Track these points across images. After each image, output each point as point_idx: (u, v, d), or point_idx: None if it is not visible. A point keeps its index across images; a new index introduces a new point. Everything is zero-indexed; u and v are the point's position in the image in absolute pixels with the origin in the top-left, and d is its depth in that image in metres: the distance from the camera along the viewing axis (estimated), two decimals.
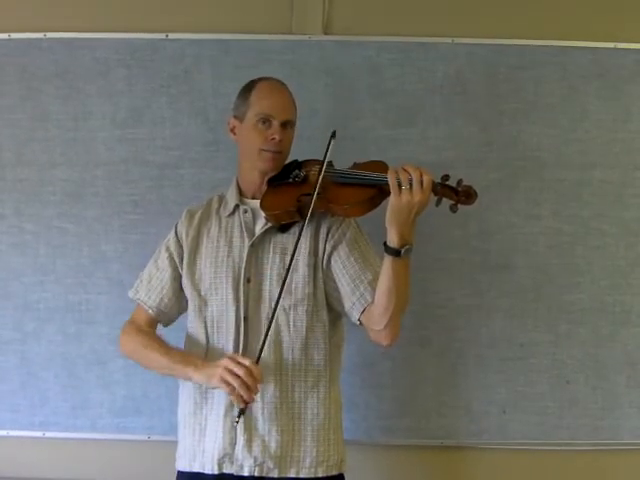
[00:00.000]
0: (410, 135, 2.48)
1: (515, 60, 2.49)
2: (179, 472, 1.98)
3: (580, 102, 2.49)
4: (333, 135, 1.90)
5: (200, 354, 1.94)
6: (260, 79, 2.01)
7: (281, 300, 1.86)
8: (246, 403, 1.78)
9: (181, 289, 2.02)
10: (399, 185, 1.70)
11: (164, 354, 1.93)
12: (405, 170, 1.72)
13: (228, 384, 1.76)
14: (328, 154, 1.88)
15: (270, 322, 1.83)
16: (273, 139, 1.94)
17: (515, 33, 2.49)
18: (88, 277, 2.47)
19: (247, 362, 1.77)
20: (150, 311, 2.02)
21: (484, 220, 2.46)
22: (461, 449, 2.47)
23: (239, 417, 1.80)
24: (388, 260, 1.77)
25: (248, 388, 1.75)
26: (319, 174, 1.86)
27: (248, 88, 2.00)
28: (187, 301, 2.02)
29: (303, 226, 1.85)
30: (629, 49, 2.50)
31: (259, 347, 1.82)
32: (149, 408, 2.45)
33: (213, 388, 1.86)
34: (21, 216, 2.48)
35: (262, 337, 1.83)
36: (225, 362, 1.79)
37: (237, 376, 1.75)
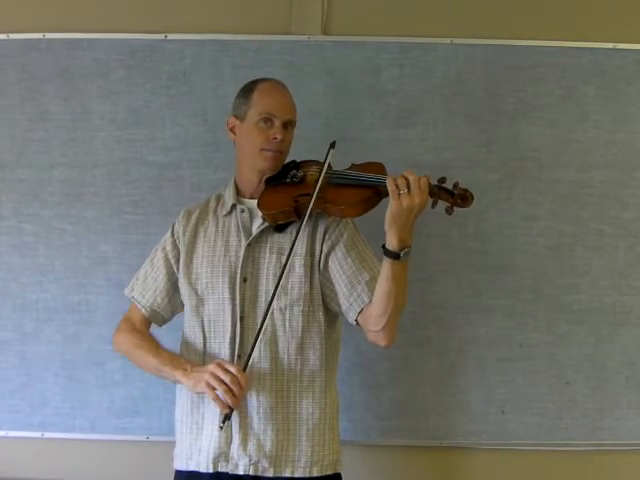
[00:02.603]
0: (409, 135, 2.48)
1: (514, 60, 2.49)
2: (177, 471, 1.98)
3: (579, 103, 2.49)
4: (332, 145, 1.91)
5: (197, 354, 1.94)
6: (262, 79, 2.02)
7: (277, 300, 1.87)
8: (230, 409, 1.79)
9: (175, 289, 2.03)
10: (398, 189, 1.71)
11: (154, 355, 1.94)
12: (402, 176, 1.72)
13: (212, 389, 1.79)
14: (326, 164, 1.88)
15: (260, 327, 1.83)
16: (275, 138, 1.94)
17: (514, 34, 2.50)
18: (87, 277, 2.47)
19: (234, 369, 1.79)
20: (143, 310, 2.03)
21: (483, 220, 2.46)
22: (460, 449, 2.47)
23: (224, 423, 1.82)
24: (387, 263, 1.77)
25: (233, 394, 1.77)
26: (318, 180, 1.86)
27: (250, 88, 2.00)
28: (182, 301, 2.02)
29: (300, 226, 1.85)
30: (628, 50, 2.50)
31: (247, 355, 1.84)
32: (148, 409, 2.45)
33: (198, 394, 1.88)
34: (20, 216, 2.48)
35: (251, 344, 1.84)
36: (212, 368, 1.81)
37: (222, 382, 1.77)
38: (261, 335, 1.83)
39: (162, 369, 1.92)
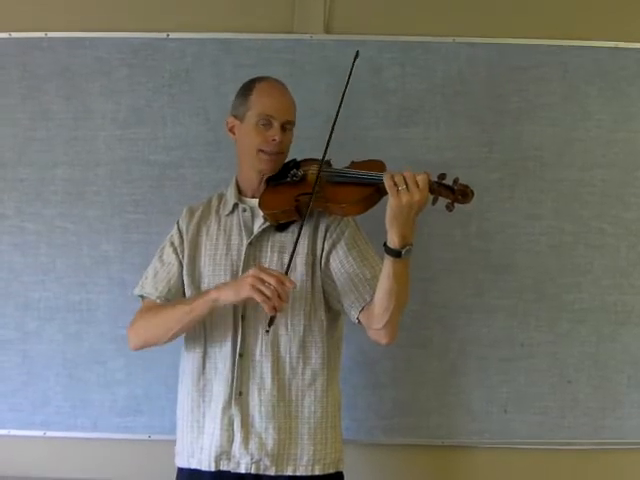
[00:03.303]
0: (411, 135, 2.48)
1: (516, 60, 2.49)
2: (179, 468, 1.98)
3: (581, 102, 2.49)
4: (357, 55, 1.91)
5: (198, 351, 1.94)
6: (260, 79, 2.00)
7: None
8: (275, 312, 1.75)
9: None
10: (396, 186, 1.70)
11: (176, 304, 1.90)
12: (400, 173, 1.72)
13: (260, 292, 1.73)
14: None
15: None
16: (273, 140, 1.93)
17: (516, 33, 2.50)
18: (89, 276, 2.47)
19: (276, 272, 1.77)
20: (158, 301, 1.97)
21: (485, 220, 2.46)
22: (462, 449, 2.47)
23: (269, 326, 1.77)
24: (388, 261, 1.77)
25: (279, 296, 1.73)
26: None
27: (248, 88, 1.99)
28: None
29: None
30: (630, 49, 2.50)
31: (288, 261, 1.81)
32: (150, 407, 2.45)
33: (243, 299, 1.80)
34: (22, 215, 2.49)
35: (292, 248, 1.81)
36: (253, 271, 1.76)
37: (269, 284, 1.73)
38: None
39: (193, 306, 1.84)
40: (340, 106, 1.90)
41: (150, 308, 1.97)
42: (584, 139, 2.49)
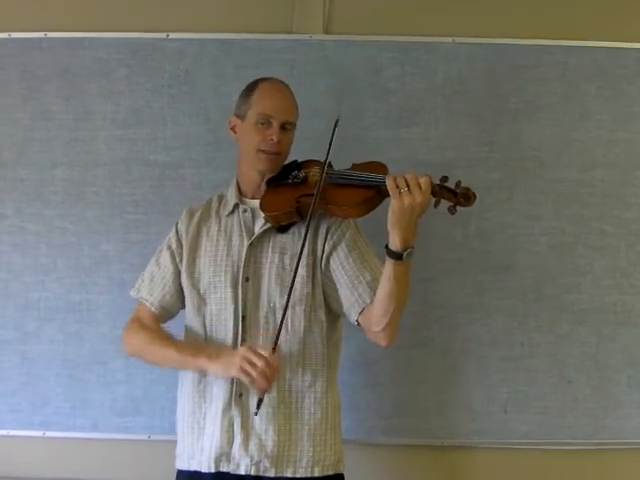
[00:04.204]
0: (411, 135, 2.48)
1: (516, 60, 2.49)
2: (179, 471, 1.98)
3: (581, 102, 2.49)
4: (336, 124, 1.90)
5: None
6: (263, 79, 2.01)
7: (280, 299, 1.88)
8: (263, 393, 1.78)
9: (183, 286, 2.02)
10: (398, 188, 1.70)
11: (172, 347, 1.92)
12: (402, 175, 1.72)
13: (248, 374, 1.76)
14: (331, 148, 1.88)
15: (284, 312, 1.83)
16: (271, 140, 1.93)
17: (516, 33, 2.50)
18: (89, 277, 2.47)
19: (265, 353, 1.78)
20: (153, 308, 2.01)
21: (485, 220, 2.46)
22: (462, 449, 2.47)
23: (258, 407, 1.80)
24: (390, 263, 1.76)
25: (266, 378, 1.76)
26: (319, 180, 1.86)
27: (251, 88, 2.00)
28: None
29: (307, 228, 1.85)
30: (630, 49, 2.50)
31: (275, 337, 1.82)
32: (150, 408, 2.45)
33: (227, 378, 1.85)
34: (22, 216, 2.48)
35: (278, 326, 1.83)
36: (243, 352, 1.79)
37: (256, 366, 1.76)
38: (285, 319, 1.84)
39: (184, 360, 1.90)
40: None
41: (144, 324, 2.00)
42: (584, 139, 2.49)
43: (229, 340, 1.90)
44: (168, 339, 1.96)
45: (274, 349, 1.81)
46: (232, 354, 1.82)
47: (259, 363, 1.76)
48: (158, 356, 1.96)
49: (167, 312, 2.04)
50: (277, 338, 1.82)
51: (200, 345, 1.93)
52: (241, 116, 1.99)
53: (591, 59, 2.49)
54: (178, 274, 2.01)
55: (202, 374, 1.92)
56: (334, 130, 1.89)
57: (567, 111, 2.49)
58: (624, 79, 2.50)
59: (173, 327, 2.06)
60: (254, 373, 1.75)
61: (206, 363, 1.85)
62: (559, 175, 2.48)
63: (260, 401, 1.80)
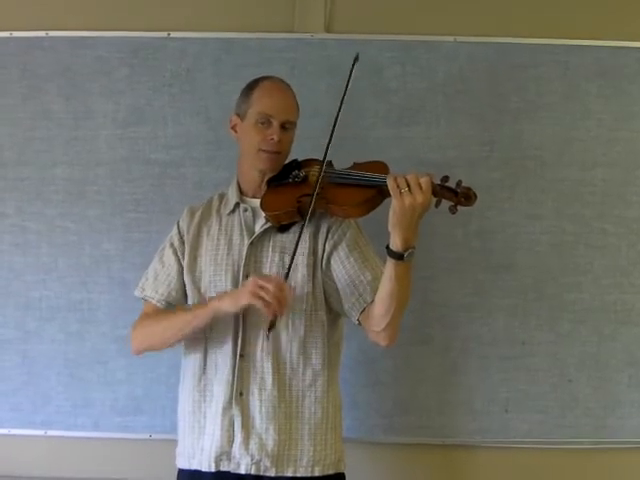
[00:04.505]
0: (412, 134, 2.48)
1: (517, 59, 2.49)
2: (179, 470, 1.98)
3: (582, 101, 2.49)
4: (356, 59, 1.91)
5: (199, 352, 1.94)
6: (264, 78, 2.01)
7: None
8: (275, 317, 1.77)
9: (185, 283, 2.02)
10: (398, 188, 1.70)
11: (179, 313, 1.93)
12: (403, 175, 1.72)
13: (260, 298, 1.75)
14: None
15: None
16: (272, 139, 1.93)
17: (517, 32, 2.50)
18: (90, 276, 2.47)
19: (274, 277, 1.79)
20: (159, 304, 2.00)
21: (486, 219, 2.46)
22: (463, 447, 2.47)
23: (269, 331, 1.79)
24: (391, 264, 1.76)
25: (278, 301, 1.74)
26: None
27: (251, 86, 2.00)
28: None
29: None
30: (631, 48, 2.50)
31: (287, 267, 1.82)
32: (151, 407, 2.45)
33: (242, 306, 1.81)
34: (23, 215, 2.49)
35: (292, 253, 1.83)
36: (253, 279, 1.78)
37: (268, 290, 1.75)
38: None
39: (195, 314, 1.88)
40: (340, 109, 1.90)
41: (151, 314, 1.99)
42: (585, 138, 2.49)
43: (229, 338, 1.90)
44: (171, 311, 1.96)
45: (285, 277, 1.81)
46: (242, 285, 1.82)
47: (270, 286, 1.74)
48: (169, 328, 1.93)
49: (173, 308, 2.02)
50: (289, 269, 1.81)
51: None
52: (241, 115, 1.99)
53: (592, 58, 2.49)
54: (182, 271, 2.01)
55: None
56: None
57: (568, 110, 2.49)
58: (625, 78, 2.50)
59: None
60: (267, 296, 1.74)
61: (217, 303, 1.84)
62: (560, 174, 2.48)
63: (272, 324, 1.78)
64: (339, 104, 1.89)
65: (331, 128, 1.89)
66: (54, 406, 2.47)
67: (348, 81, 1.91)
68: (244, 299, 1.78)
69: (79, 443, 2.48)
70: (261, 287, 1.75)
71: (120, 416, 2.46)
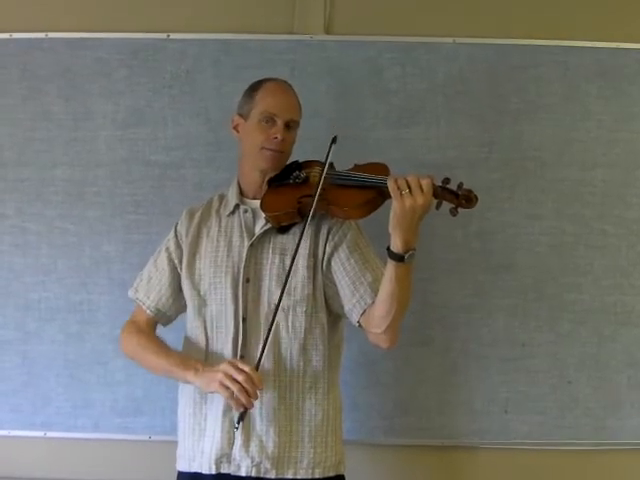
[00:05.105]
0: (412, 135, 2.48)
1: (517, 60, 2.49)
2: (179, 472, 1.98)
3: (582, 102, 2.49)
4: (334, 141, 1.91)
5: (199, 354, 1.94)
6: (267, 79, 2.02)
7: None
8: (245, 409, 1.78)
9: (180, 289, 2.02)
10: (399, 190, 1.70)
11: (162, 357, 1.93)
12: (404, 177, 1.72)
13: (227, 389, 1.76)
14: (328, 160, 1.88)
15: (270, 327, 1.83)
16: (275, 138, 1.94)
17: (517, 33, 2.50)
18: (90, 277, 2.47)
19: (247, 368, 1.77)
20: (149, 311, 2.02)
21: (486, 220, 2.46)
22: (463, 449, 2.47)
23: (238, 423, 1.80)
24: (391, 265, 1.76)
25: (247, 394, 1.75)
26: (320, 180, 1.86)
27: (254, 87, 2.00)
28: (185, 301, 2.01)
29: (304, 228, 1.85)
30: (631, 49, 2.50)
31: (259, 353, 1.82)
32: (150, 408, 2.45)
33: (211, 393, 1.85)
34: (23, 216, 2.48)
35: (261, 343, 1.83)
36: (224, 367, 1.79)
37: (236, 381, 1.75)
38: (270, 336, 1.83)
39: (173, 370, 1.90)
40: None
41: (140, 328, 2.01)
42: (585, 139, 2.49)
43: (230, 341, 1.90)
44: (160, 347, 1.96)
45: (257, 366, 1.80)
46: (215, 369, 1.81)
47: (239, 378, 1.75)
48: (149, 362, 1.98)
49: (163, 315, 2.04)
50: (261, 356, 1.81)
51: (190, 358, 1.91)
52: (244, 115, 2.00)
53: (592, 59, 2.49)
54: (175, 277, 2.01)
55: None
56: (331, 145, 1.90)
57: (568, 111, 2.49)
58: (625, 79, 2.50)
59: (174, 329, 2.06)
60: (234, 388, 1.75)
61: (192, 377, 1.85)
62: (560, 175, 2.48)
63: (241, 417, 1.79)
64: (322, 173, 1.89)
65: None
66: (54, 407, 2.46)
67: (327, 155, 1.90)
68: (213, 387, 1.79)
69: (79, 444, 2.47)
70: (230, 378, 1.76)
71: (120, 417, 2.46)
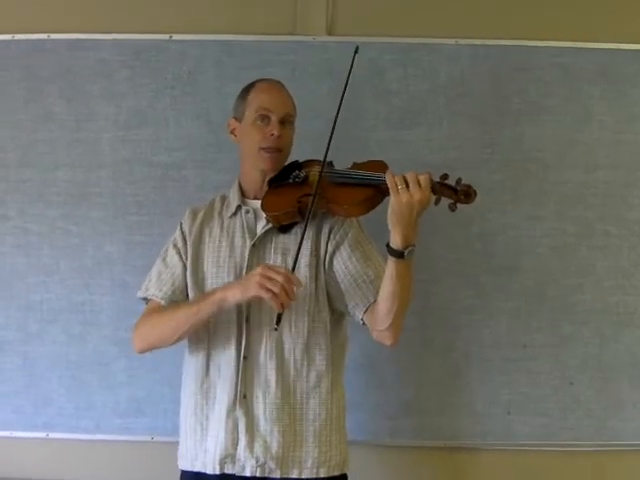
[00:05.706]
0: (413, 136, 2.48)
1: (519, 61, 2.49)
2: (182, 471, 1.98)
3: (584, 103, 2.49)
4: (356, 51, 1.92)
5: (202, 355, 1.94)
6: (259, 80, 2.03)
7: None
8: (283, 309, 1.75)
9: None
10: (396, 185, 1.70)
11: (182, 306, 1.90)
12: (402, 174, 1.72)
13: (267, 290, 1.74)
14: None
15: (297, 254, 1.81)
16: (272, 135, 1.94)
17: (519, 34, 2.50)
18: (92, 278, 2.47)
19: (283, 269, 1.77)
20: (163, 302, 1.97)
21: (487, 221, 2.46)
22: (465, 450, 2.47)
23: (277, 324, 1.76)
24: (392, 262, 1.76)
25: (286, 292, 1.73)
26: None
27: (247, 89, 2.02)
28: None
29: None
30: (633, 50, 2.50)
31: (294, 258, 1.80)
32: (152, 409, 2.45)
33: (251, 297, 1.80)
34: (25, 217, 2.49)
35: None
36: (260, 270, 1.77)
37: (276, 282, 1.74)
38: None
39: (200, 307, 1.84)
40: (340, 104, 1.90)
41: (155, 310, 1.97)
42: (587, 141, 2.49)
43: (233, 341, 1.90)
44: (175, 304, 1.93)
45: (292, 269, 1.79)
46: (249, 275, 1.80)
47: (279, 278, 1.73)
48: (174, 321, 1.89)
49: None
50: (296, 258, 1.80)
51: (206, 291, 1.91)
52: (239, 118, 2.00)
53: (594, 60, 2.50)
54: (186, 271, 1.99)
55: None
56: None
57: (570, 113, 2.49)
58: (627, 81, 2.50)
59: None
60: (275, 288, 1.73)
61: (222, 293, 1.82)
62: (562, 176, 2.48)
63: (280, 317, 1.76)
64: (341, 97, 1.90)
65: (331, 125, 1.88)
66: (56, 408, 2.46)
67: (350, 71, 1.91)
68: (252, 290, 1.76)
69: (81, 445, 2.47)
70: (269, 278, 1.74)
71: (122, 418, 2.46)
